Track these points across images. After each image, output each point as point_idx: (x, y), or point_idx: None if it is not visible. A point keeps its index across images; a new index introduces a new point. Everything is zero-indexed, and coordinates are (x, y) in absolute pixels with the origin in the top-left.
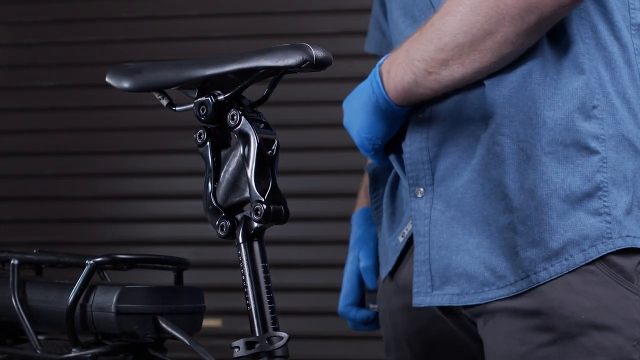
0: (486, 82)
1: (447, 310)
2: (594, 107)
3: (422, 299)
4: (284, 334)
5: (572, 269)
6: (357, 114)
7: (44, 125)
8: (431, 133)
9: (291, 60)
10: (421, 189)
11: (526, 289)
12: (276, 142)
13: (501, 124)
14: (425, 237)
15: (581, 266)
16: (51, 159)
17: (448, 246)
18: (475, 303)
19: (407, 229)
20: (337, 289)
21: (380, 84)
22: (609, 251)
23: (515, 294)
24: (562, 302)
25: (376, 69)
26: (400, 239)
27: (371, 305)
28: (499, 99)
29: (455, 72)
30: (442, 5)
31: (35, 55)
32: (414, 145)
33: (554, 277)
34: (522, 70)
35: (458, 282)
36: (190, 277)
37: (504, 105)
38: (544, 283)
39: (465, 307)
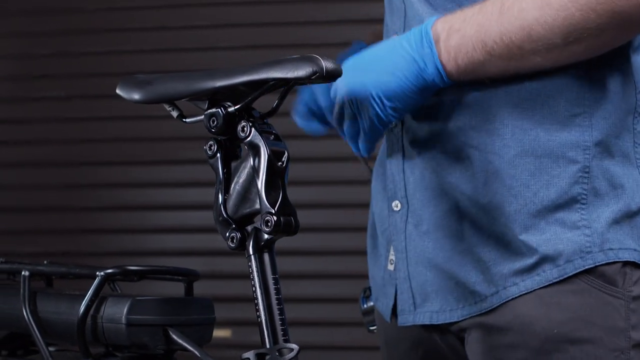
0: (459, 90)
1: (434, 328)
2: (574, 115)
3: (406, 317)
4: (294, 346)
5: (544, 285)
6: (382, 77)
7: (53, 136)
8: (405, 143)
9: (301, 72)
10: (397, 202)
11: (497, 305)
12: (286, 153)
13: (469, 135)
14: (402, 253)
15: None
16: (60, 169)
17: (423, 262)
18: (453, 320)
19: (393, 255)
20: (348, 300)
21: (434, 52)
22: (587, 267)
23: (487, 310)
24: (532, 317)
25: (426, 31)
26: (391, 268)
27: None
28: (466, 108)
29: (537, 64)
30: None
31: (44, 66)
32: (393, 154)
33: (524, 292)
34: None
35: (436, 299)
36: (200, 288)
37: (471, 115)
38: (514, 298)
39: (449, 324)
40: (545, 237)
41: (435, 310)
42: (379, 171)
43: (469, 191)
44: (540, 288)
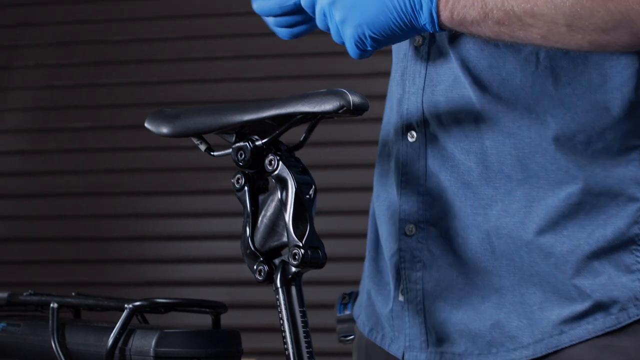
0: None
1: None
2: (630, 148)
3: (416, 355)
4: None
5: (598, 334)
6: (368, 7)
7: (79, 166)
8: (429, 160)
9: (328, 106)
10: (412, 226)
11: (542, 354)
12: (313, 186)
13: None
14: (417, 283)
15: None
16: (85, 199)
17: (446, 298)
18: None
19: (404, 284)
20: None
21: None
22: None
23: (530, 358)
24: None
25: None
26: (402, 299)
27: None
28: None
29: (533, 39)
30: None
31: (70, 97)
32: (409, 173)
33: (576, 342)
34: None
35: (460, 340)
36: (225, 317)
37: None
38: (563, 348)
39: None
40: (599, 282)
41: (459, 352)
42: (382, 190)
43: (511, 226)
44: (593, 338)
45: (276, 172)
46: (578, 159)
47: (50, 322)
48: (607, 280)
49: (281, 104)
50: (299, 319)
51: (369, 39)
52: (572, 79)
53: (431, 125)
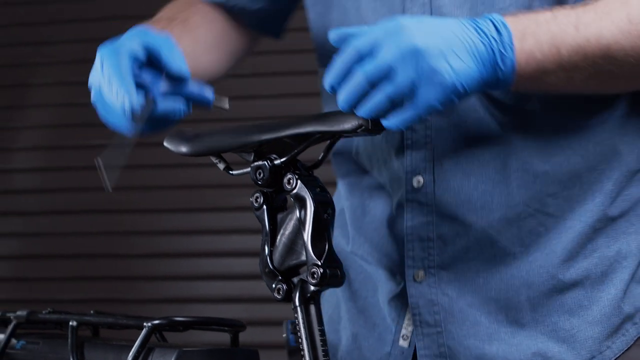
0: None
1: None
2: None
3: None
4: None
5: (630, 344)
6: (461, 54)
7: (97, 184)
8: (437, 206)
9: (347, 125)
10: (421, 272)
11: None
12: (332, 205)
13: (547, 203)
14: (436, 327)
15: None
16: (105, 216)
17: (476, 334)
18: None
19: (405, 329)
20: None
21: (513, 47)
22: None
23: None
24: None
25: (502, 23)
26: (404, 344)
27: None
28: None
29: (591, 89)
30: None
31: (88, 115)
32: (416, 219)
33: (618, 354)
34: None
35: None
36: (242, 335)
37: (548, 183)
38: None
39: None
40: (629, 295)
41: None
42: (358, 234)
43: (549, 265)
44: (628, 349)
45: (295, 191)
46: (604, 185)
47: (69, 340)
48: (632, 293)
49: (300, 123)
50: (317, 338)
51: (459, 87)
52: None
53: (444, 166)
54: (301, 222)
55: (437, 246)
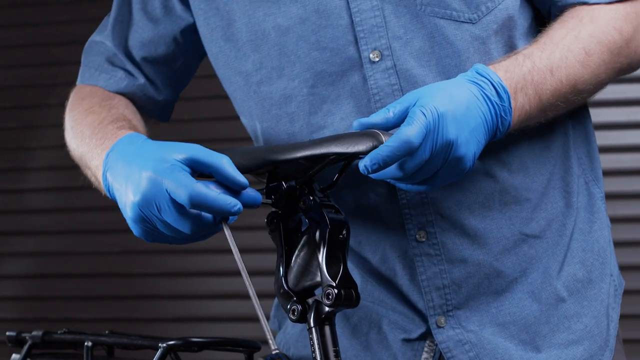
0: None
1: None
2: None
3: None
4: None
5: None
6: (473, 136)
7: (113, 203)
8: (446, 253)
9: (361, 147)
10: (442, 318)
11: None
12: (347, 226)
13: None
14: None
15: None
16: (120, 236)
17: (511, 359)
18: None
19: None
20: None
21: (511, 111)
22: None
23: None
24: None
25: (501, 85)
26: None
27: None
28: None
29: (560, 111)
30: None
31: None
32: (429, 270)
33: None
34: None
35: None
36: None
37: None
38: None
39: None
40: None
41: None
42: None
43: (549, 279)
44: None
45: (310, 212)
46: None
47: None
48: None
49: (315, 144)
50: (332, 358)
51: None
52: None
53: (445, 214)
54: (316, 244)
55: (452, 291)
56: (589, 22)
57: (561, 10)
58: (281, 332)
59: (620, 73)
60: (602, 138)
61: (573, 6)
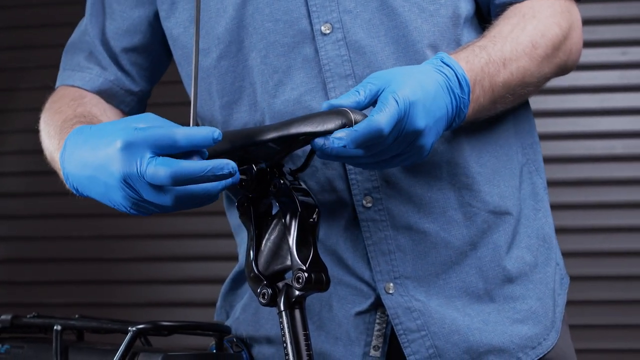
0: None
1: None
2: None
3: None
4: None
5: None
6: (436, 126)
7: None
8: (391, 219)
9: (330, 124)
10: (390, 285)
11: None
12: (317, 210)
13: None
14: (420, 331)
15: None
16: (91, 220)
17: (458, 330)
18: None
19: (376, 340)
20: None
21: (469, 102)
22: None
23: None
24: None
25: (463, 77)
26: (376, 354)
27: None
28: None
29: (507, 105)
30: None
31: None
32: (374, 236)
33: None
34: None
35: (499, 354)
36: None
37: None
38: None
39: None
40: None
41: None
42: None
43: (498, 258)
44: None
45: (280, 196)
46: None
47: (53, 344)
48: None
49: (283, 126)
50: (302, 343)
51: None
52: None
53: (391, 181)
54: (286, 227)
55: (398, 257)
56: (531, 17)
57: (502, 8)
58: (231, 320)
59: (558, 71)
60: (575, 124)
61: (512, 4)
